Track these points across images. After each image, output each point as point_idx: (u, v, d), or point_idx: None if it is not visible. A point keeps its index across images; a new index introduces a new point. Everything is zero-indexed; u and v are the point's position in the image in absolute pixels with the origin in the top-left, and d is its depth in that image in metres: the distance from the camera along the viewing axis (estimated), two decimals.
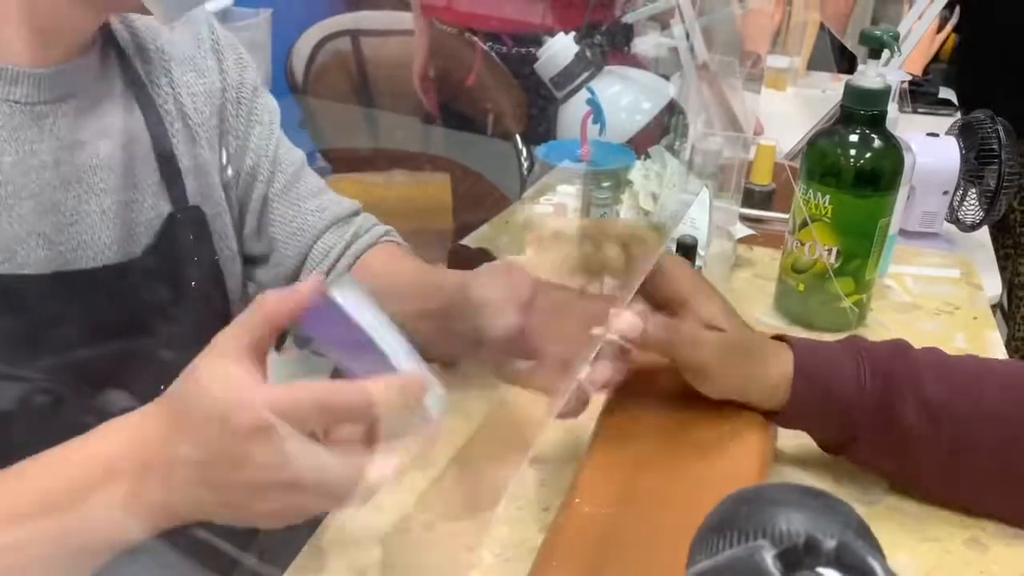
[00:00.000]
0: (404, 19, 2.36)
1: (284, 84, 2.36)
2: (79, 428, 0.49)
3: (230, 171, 0.78)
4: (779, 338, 0.66)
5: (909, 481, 0.66)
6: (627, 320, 0.59)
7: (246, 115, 0.78)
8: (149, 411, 0.49)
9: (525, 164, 2.34)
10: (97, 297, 0.64)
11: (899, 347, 0.65)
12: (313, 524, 0.63)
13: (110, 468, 0.47)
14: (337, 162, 2.31)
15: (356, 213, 0.85)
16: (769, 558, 0.29)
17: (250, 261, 0.81)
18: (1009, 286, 1.80)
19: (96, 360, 0.56)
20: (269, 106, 0.81)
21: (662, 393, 0.65)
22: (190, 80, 0.73)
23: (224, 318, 0.75)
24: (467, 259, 0.93)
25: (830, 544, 0.29)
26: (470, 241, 1.07)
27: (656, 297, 0.63)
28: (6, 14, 0.59)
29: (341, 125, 2.33)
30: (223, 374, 0.46)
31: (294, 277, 0.81)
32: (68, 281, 0.63)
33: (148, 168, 0.69)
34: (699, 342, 0.61)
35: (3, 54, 0.60)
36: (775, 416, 0.64)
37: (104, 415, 0.50)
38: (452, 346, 0.71)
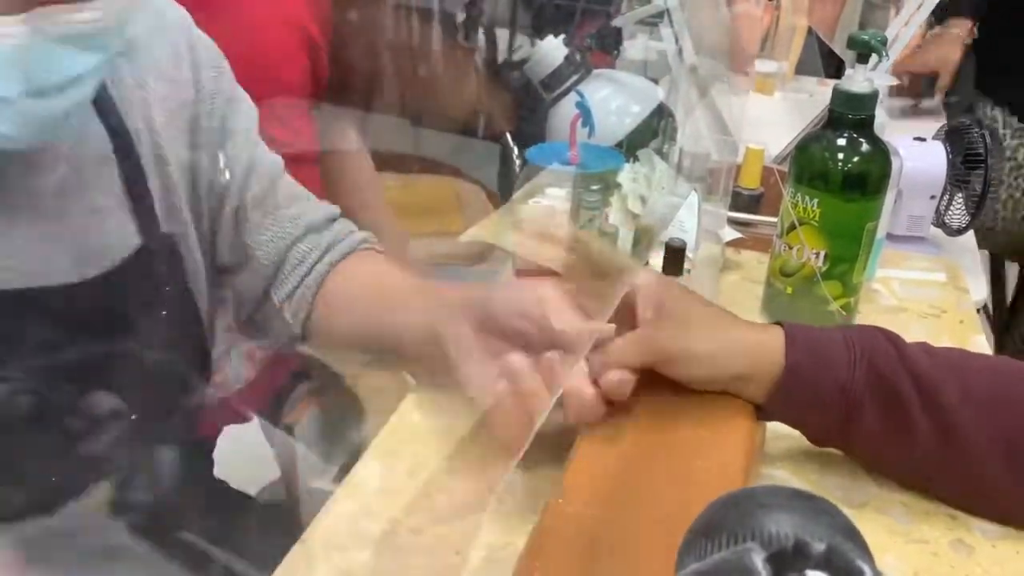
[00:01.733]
0: None
1: None
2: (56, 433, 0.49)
3: (204, 184, 0.76)
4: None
5: (895, 467, 0.66)
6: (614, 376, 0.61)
7: (219, 126, 0.76)
8: None
9: (517, 162, 2.35)
10: (59, 318, 0.63)
11: (884, 331, 0.65)
12: (299, 528, 0.63)
13: None
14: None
15: (334, 219, 0.83)
16: (759, 561, 0.29)
17: (226, 270, 0.80)
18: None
19: (65, 377, 0.55)
20: (246, 114, 0.79)
21: (647, 392, 0.65)
22: (163, 94, 0.71)
23: (198, 335, 0.74)
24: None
25: (819, 547, 0.29)
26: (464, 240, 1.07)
27: (628, 319, 0.64)
28: None
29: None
30: None
31: (269, 284, 0.80)
32: (29, 300, 0.61)
33: (111, 192, 0.67)
34: (673, 333, 0.63)
35: None
36: (766, 408, 0.64)
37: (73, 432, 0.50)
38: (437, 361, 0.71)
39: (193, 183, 0.75)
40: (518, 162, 2.31)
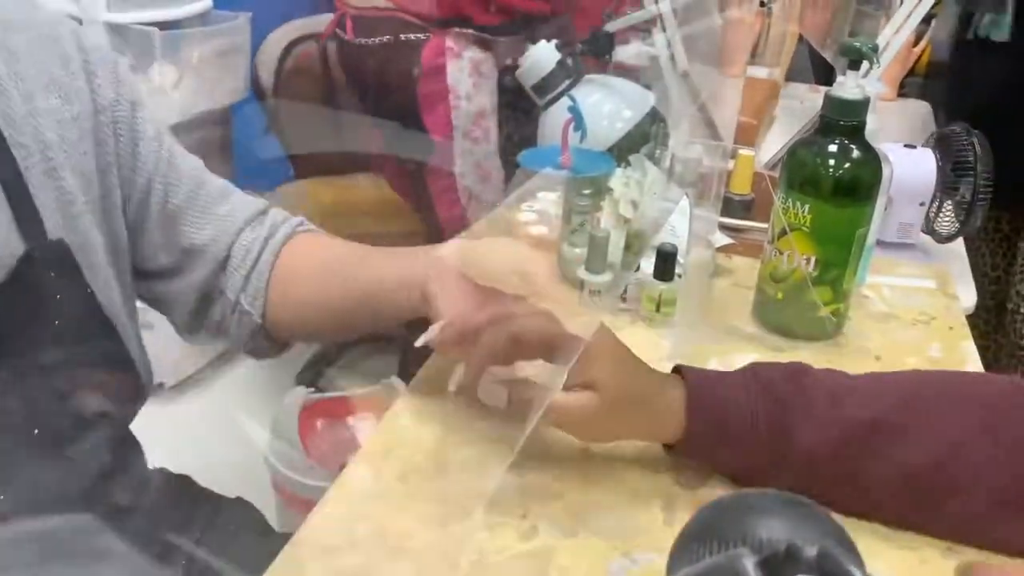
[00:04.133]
0: None
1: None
2: None
3: (118, 193, 0.75)
4: (676, 370, 0.67)
5: (820, 500, 0.66)
6: None
7: (127, 133, 0.75)
8: None
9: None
10: None
11: (793, 371, 0.67)
12: (273, 537, 0.63)
13: None
14: (307, 167, 2.30)
15: (266, 211, 0.84)
16: (750, 565, 0.29)
17: (160, 274, 0.80)
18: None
19: None
20: (153, 118, 0.78)
21: None
22: (54, 106, 0.70)
23: (113, 343, 0.73)
24: None
25: (811, 552, 0.29)
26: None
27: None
28: None
29: (310, 129, 2.33)
30: None
31: (213, 282, 0.80)
32: None
33: None
34: (575, 410, 0.64)
35: None
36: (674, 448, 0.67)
37: None
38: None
39: (103, 191, 0.74)
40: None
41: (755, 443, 0.63)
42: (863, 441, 0.62)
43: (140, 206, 0.77)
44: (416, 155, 1.87)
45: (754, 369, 0.67)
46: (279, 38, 2.26)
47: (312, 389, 1.63)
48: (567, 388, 0.63)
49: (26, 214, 0.67)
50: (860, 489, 0.63)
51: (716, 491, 0.67)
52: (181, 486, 0.89)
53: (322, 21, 2.32)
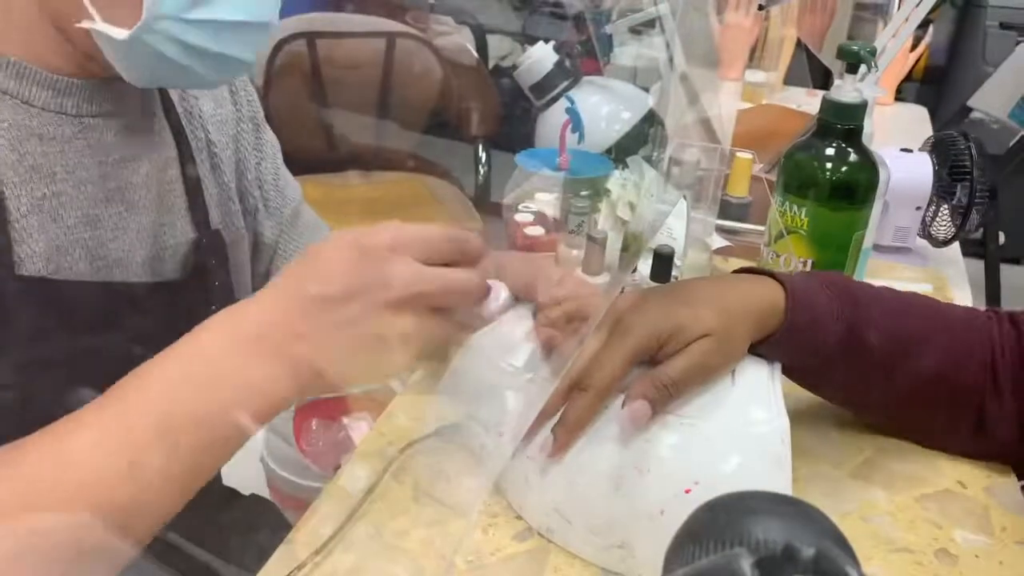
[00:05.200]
0: (358, 21, 2.37)
1: None
2: None
3: (249, 200, 0.80)
4: (749, 271, 0.70)
5: (852, 401, 0.74)
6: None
7: (255, 147, 0.79)
8: (274, 283, 0.51)
9: (483, 169, 2.36)
10: (130, 311, 0.65)
11: (842, 276, 0.72)
12: (284, 530, 0.63)
13: (255, 336, 0.49)
14: (297, 164, 2.30)
15: None
16: (746, 566, 0.29)
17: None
18: None
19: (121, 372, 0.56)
20: (271, 140, 0.82)
21: None
22: (209, 109, 0.74)
23: None
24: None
25: (808, 552, 0.29)
26: None
27: None
28: (58, 26, 0.59)
29: (299, 127, 2.33)
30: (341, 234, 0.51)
31: None
32: (107, 292, 0.64)
33: (177, 192, 0.70)
34: (699, 358, 0.62)
35: (54, 64, 0.60)
36: (763, 344, 0.65)
37: None
38: None
39: (240, 193, 0.79)
40: (483, 169, 2.33)
41: (833, 334, 0.66)
42: (905, 347, 0.69)
43: (257, 219, 0.81)
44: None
45: (815, 275, 0.71)
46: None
47: None
48: (662, 360, 0.61)
49: (197, 202, 0.72)
50: (896, 388, 0.70)
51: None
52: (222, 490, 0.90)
53: (313, 19, 2.32)
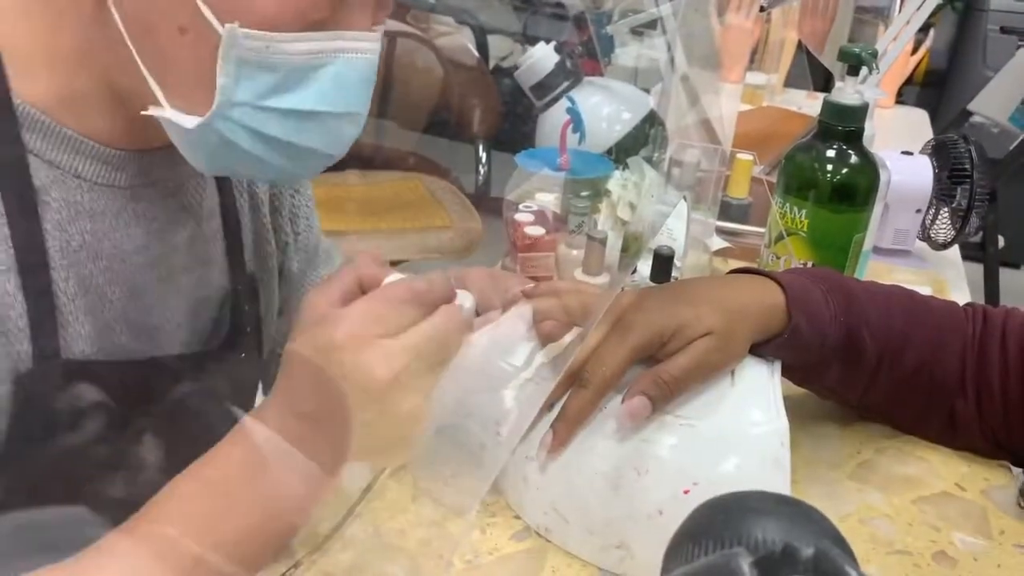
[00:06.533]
0: None
1: None
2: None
3: (282, 235, 0.78)
4: (745, 271, 0.70)
5: (839, 395, 0.75)
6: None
7: (288, 184, 0.78)
8: (272, 402, 0.53)
9: (483, 169, 2.36)
10: (171, 382, 0.63)
11: (831, 272, 0.72)
12: None
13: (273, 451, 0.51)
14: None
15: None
16: (746, 566, 0.29)
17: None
18: None
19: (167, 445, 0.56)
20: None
21: None
22: None
23: (253, 379, 0.75)
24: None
25: (807, 552, 0.29)
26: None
27: None
28: (121, 101, 0.56)
29: None
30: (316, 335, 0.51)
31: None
32: (150, 367, 0.62)
33: (216, 241, 0.68)
34: (702, 355, 0.62)
35: (109, 137, 0.57)
36: (764, 345, 0.65)
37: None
38: None
39: (274, 229, 0.77)
40: (483, 156, 2.32)
41: (833, 335, 0.66)
42: (891, 344, 0.69)
43: (286, 256, 0.80)
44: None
45: (809, 271, 0.71)
46: None
47: None
48: (663, 359, 0.61)
49: (235, 248, 0.69)
50: (879, 384, 0.70)
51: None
52: None
53: None
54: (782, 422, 0.60)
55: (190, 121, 0.52)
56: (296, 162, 0.56)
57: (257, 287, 0.72)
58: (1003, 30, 3.17)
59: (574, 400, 0.61)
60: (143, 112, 0.53)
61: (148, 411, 0.60)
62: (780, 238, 0.87)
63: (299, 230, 0.80)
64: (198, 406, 0.57)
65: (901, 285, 0.74)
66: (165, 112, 0.52)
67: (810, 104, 1.88)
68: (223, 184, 0.68)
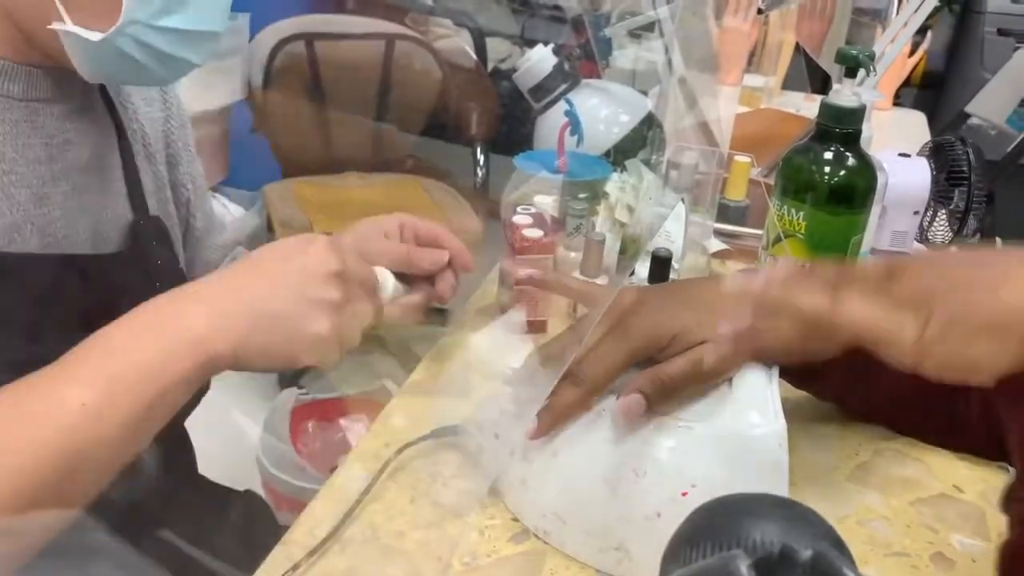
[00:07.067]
0: (357, 22, 2.37)
1: None
2: None
3: (182, 191, 0.84)
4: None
5: (840, 398, 0.76)
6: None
7: (187, 146, 0.84)
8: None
9: (481, 171, 2.36)
10: (80, 284, 0.68)
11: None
12: (279, 530, 0.63)
13: (193, 296, 0.57)
14: (296, 165, 2.30)
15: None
16: (744, 568, 0.29)
17: None
18: None
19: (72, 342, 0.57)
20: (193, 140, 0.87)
21: None
22: (141, 105, 0.78)
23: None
24: None
25: (806, 554, 0.29)
26: None
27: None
28: (15, 19, 0.62)
29: (298, 128, 2.33)
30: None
31: None
32: (60, 263, 0.67)
33: (117, 176, 0.73)
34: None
35: (1, 51, 0.63)
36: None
37: None
38: None
39: (173, 185, 0.83)
40: (481, 172, 2.32)
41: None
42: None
43: (184, 216, 0.85)
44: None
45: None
46: (268, 38, 2.26)
47: (304, 390, 1.63)
48: (663, 360, 0.61)
49: (134, 189, 0.75)
50: (880, 387, 0.72)
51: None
52: (191, 478, 0.90)
53: (312, 21, 2.32)
54: (780, 424, 0.60)
55: (94, 35, 0.59)
56: (172, 70, 0.66)
57: (165, 229, 0.77)
58: (1000, 32, 3.17)
59: (564, 393, 0.61)
60: (48, 27, 0.59)
61: (61, 306, 0.65)
62: (778, 240, 0.87)
63: (199, 190, 0.86)
64: (111, 303, 0.60)
65: None
66: (68, 26, 0.59)
67: (808, 106, 1.88)
68: (118, 129, 0.74)
